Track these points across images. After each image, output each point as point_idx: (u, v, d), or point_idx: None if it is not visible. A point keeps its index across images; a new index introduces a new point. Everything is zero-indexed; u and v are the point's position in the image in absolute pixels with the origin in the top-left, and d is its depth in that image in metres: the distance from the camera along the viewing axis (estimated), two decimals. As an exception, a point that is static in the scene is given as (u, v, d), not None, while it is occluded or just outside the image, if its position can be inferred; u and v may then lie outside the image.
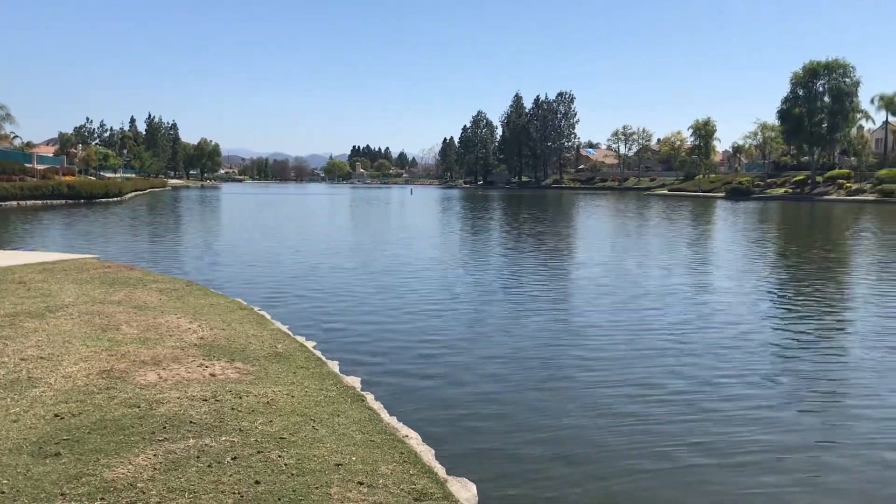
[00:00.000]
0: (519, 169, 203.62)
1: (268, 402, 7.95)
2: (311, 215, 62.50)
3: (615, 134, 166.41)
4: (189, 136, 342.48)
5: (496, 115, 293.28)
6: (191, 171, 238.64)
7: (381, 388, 10.11)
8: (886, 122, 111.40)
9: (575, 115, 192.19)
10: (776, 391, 10.73)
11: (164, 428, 6.96)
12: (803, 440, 8.79)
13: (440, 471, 6.65)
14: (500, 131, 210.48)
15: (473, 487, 6.61)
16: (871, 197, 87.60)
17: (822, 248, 34.07)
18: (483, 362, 12.15)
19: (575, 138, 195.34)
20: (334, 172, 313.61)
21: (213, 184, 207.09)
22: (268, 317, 13.57)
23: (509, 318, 16.04)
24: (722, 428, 9.09)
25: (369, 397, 8.84)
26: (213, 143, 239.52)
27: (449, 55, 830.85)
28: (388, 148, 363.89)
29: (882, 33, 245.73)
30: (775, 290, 20.84)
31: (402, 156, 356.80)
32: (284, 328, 12.72)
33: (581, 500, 7.14)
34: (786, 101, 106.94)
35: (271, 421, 7.35)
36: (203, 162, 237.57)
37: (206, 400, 7.91)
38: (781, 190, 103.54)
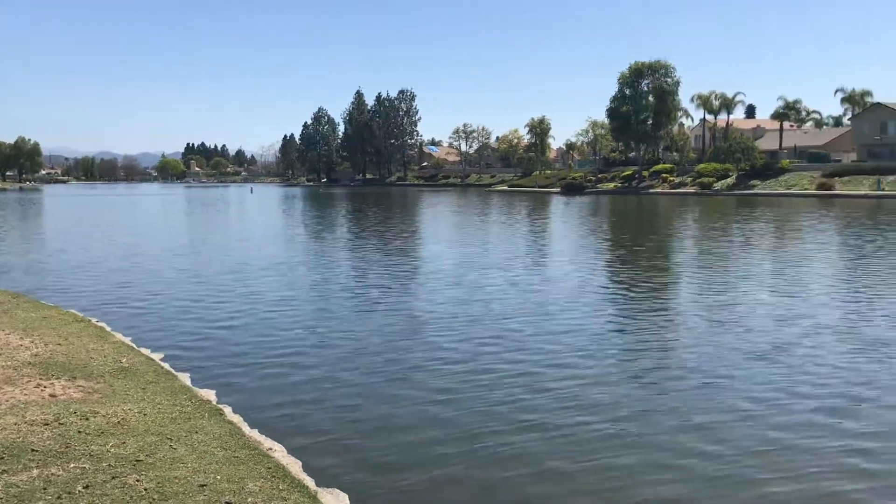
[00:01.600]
0: (363, 166, 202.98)
1: (118, 423, 7.46)
2: (140, 218, 59.46)
3: (456, 132, 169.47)
4: (5, 135, 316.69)
5: (338, 112, 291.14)
6: (7, 173, 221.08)
7: (239, 399, 9.73)
8: (704, 120, 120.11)
9: (417, 112, 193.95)
10: (598, 371, 11.28)
11: (2, 458, 6.37)
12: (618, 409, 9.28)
13: (310, 483, 6.49)
14: (342, 128, 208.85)
15: (346, 498, 6.50)
16: (691, 189, 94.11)
17: (650, 237, 36.22)
18: (338, 363, 12.01)
19: (417, 136, 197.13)
20: (167, 171, 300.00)
21: (34, 185, 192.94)
22: (108, 328, 12.78)
23: (356, 316, 16.03)
24: (560, 405, 9.44)
25: (227, 410, 8.50)
26: (31, 142, 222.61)
27: (287, 50, 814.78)
28: (224, 145, 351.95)
29: (698, 36, 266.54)
30: (609, 280, 21.92)
31: (240, 153, 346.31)
32: (127, 340, 12.02)
33: (455, 500, 7.18)
34: (614, 99, 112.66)
35: (124, 443, 6.89)
36: (21, 162, 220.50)
37: (47, 424, 7.32)
38: (612, 185, 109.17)
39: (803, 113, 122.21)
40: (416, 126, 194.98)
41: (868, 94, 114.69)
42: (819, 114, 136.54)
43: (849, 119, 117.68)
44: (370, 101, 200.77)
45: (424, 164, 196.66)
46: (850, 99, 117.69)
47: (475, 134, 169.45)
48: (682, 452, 8.27)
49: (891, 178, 78.01)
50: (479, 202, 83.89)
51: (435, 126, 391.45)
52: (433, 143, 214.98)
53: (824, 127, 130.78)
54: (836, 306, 17.12)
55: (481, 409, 9.73)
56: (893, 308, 16.96)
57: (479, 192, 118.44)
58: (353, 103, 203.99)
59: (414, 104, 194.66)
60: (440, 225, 48.72)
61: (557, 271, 24.14)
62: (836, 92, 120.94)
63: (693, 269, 24.78)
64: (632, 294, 19.47)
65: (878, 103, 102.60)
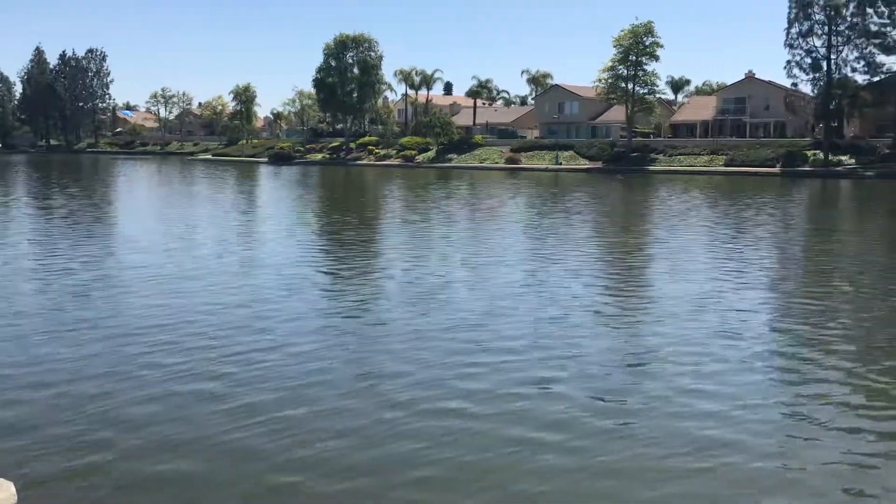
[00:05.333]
0: (46, 131, 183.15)
1: None
2: None
3: (154, 96, 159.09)
4: None
5: (13, 71, 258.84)
6: None
7: None
8: (406, 95, 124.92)
9: (108, 74, 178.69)
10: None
11: None
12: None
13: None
14: (19, 89, 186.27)
15: (11, 486, 6.00)
16: (396, 162, 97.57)
17: (363, 207, 37.17)
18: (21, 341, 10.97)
19: (110, 99, 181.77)
20: None
21: None
22: None
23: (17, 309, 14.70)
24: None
25: None
26: None
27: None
28: None
29: (402, 13, 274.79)
30: (324, 249, 22.22)
31: None
32: None
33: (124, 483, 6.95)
34: (320, 70, 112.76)
35: None
36: None
37: None
38: (320, 155, 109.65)
39: (494, 92, 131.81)
40: (108, 89, 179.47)
41: (549, 76, 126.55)
42: (508, 93, 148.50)
43: (532, 99, 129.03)
44: (53, 59, 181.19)
45: (119, 129, 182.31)
46: (534, 80, 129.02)
47: (175, 99, 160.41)
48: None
49: (566, 153, 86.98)
50: (182, 171, 79.97)
51: (131, 90, 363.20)
52: (129, 107, 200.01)
53: (512, 105, 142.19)
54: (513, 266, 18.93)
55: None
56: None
57: (181, 161, 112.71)
58: (32, 61, 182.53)
59: (105, 65, 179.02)
60: (137, 198, 45.73)
61: (266, 248, 23.90)
62: (522, 73, 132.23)
63: (392, 240, 25.86)
64: (344, 267, 19.88)
65: (557, 85, 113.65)
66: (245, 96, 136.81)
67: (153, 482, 7.09)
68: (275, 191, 53.87)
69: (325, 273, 18.69)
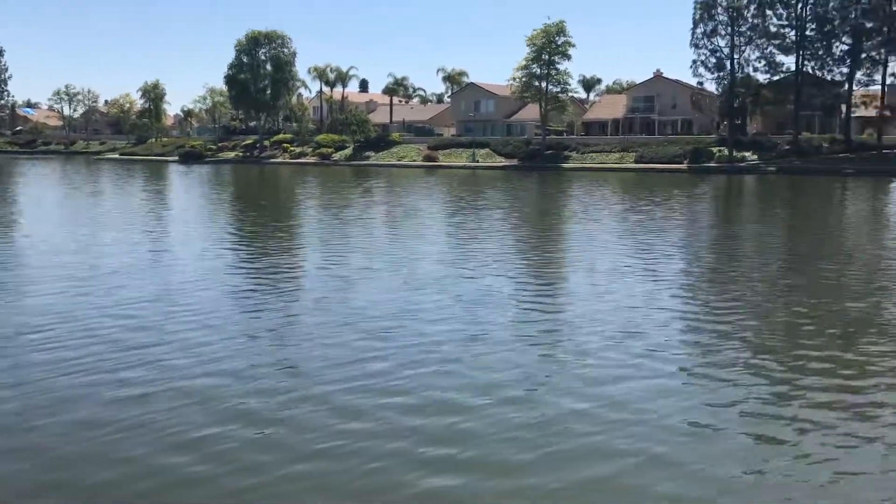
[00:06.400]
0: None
1: None
2: None
3: (57, 93, 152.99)
4: None
5: None
6: None
7: None
8: (321, 92, 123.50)
9: (6, 70, 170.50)
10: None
11: None
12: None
13: None
14: None
15: None
16: (312, 160, 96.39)
17: (275, 206, 36.59)
18: None
19: (8, 96, 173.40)
20: None
21: None
22: None
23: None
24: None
25: None
26: None
27: None
28: None
29: (316, 9, 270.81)
30: (233, 248, 21.79)
31: None
32: None
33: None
34: (232, 67, 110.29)
35: None
36: None
37: None
38: (233, 154, 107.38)
39: (411, 89, 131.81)
40: (6, 85, 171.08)
41: (464, 74, 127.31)
42: (424, 91, 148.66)
43: (448, 97, 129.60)
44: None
45: (19, 128, 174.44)
46: (450, 78, 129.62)
47: (80, 97, 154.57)
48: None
49: (483, 151, 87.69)
50: (87, 171, 77.07)
51: (32, 87, 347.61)
52: (30, 105, 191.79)
53: (429, 103, 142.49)
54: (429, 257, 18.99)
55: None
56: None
57: (87, 160, 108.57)
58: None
59: (2, 60, 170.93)
60: (39, 200, 43.86)
61: (170, 249, 23.28)
62: (438, 71, 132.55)
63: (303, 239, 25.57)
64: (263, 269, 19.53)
65: (473, 83, 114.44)
66: (154, 94, 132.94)
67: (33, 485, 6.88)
68: (183, 190, 52.52)
69: (233, 274, 18.30)
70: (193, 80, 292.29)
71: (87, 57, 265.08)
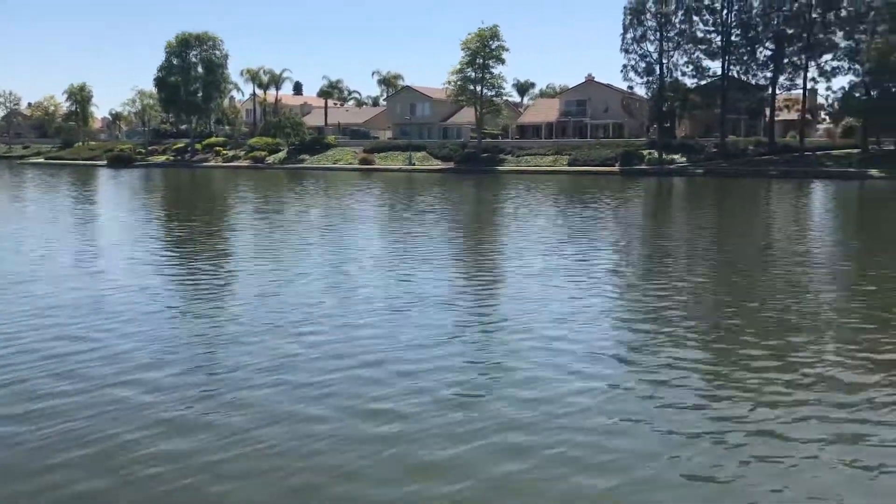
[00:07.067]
0: None
1: None
2: None
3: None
4: None
5: None
6: None
7: None
8: (254, 94, 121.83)
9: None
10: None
11: None
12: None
13: None
14: None
15: None
16: (245, 163, 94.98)
17: (207, 210, 35.89)
18: None
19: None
20: None
21: None
22: None
23: None
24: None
25: None
26: None
27: None
28: None
29: (247, 12, 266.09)
30: (165, 254, 21.29)
31: None
32: None
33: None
34: (162, 69, 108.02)
35: None
36: None
37: None
38: (163, 157, 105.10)
39: (346, 92, 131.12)
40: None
41: (400, 77, 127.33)
42: (359, 94, 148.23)
43: (384, 100, 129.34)
44: None
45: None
46: (386, 81, 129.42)
47: (1, 99, 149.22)
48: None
49: (420, 154, 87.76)
50: (11, 176, 74.44)
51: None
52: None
53: (364, 106, 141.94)
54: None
55: None
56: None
57: (9, 165, 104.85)
58: None
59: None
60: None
61: (95, 256, 22.64)
62: (373, 74, 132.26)
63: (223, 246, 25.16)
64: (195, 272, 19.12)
65: (408, 86, 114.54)
66: (80, 96, 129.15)
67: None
68: (111, 195, 51.19)
69: (159, 280, 17.86)
70: (122, 83, 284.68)
71: (6, 58, 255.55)
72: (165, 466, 7.59)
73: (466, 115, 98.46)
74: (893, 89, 67.76)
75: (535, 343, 11.98)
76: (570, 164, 77.53)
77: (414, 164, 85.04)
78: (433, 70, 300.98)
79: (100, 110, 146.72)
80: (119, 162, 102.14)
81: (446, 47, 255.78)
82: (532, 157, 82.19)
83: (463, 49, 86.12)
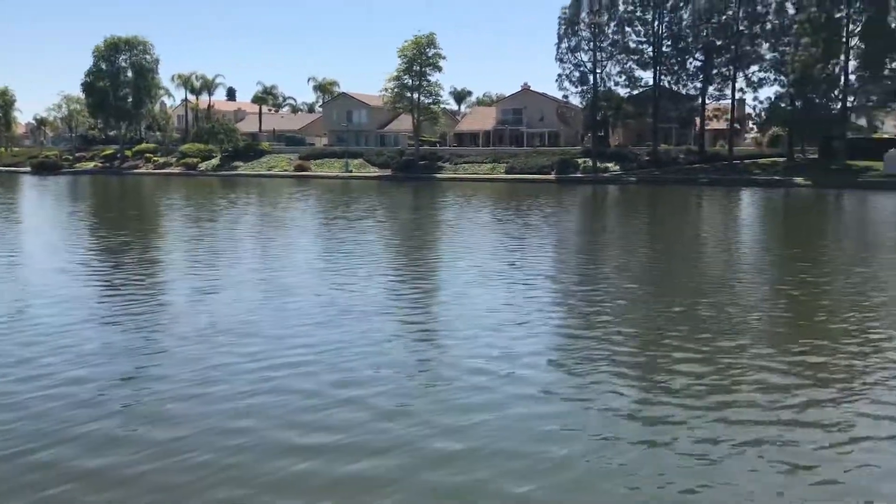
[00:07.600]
0: None
1: None
2: None
3: None
4: None
5: None
6: None
7: None
8: (186, 100, 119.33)
9: None
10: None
11: None
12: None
13: None
14: None
15: None
16: (177, 170, 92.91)
17: (136, 218, 34.88)
18: None
19: None
20: None
21: None
22: None
23: None
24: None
25: None
26: None
27: None
28: None
29: (178, 15, 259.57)
30: (84, 264, 20.53)
31: None
32: None
33: None
34: (89, 74, 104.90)
35: None
36: None
37: None
38: (91, 164, 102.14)
39: (281, 98, 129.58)
40: None
41: (335, 83, 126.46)
42: (294, 100, 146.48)
43: (320, 106, 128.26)
44: None
45: None
46: (321, 87, 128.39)
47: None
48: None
49: (356, 161, 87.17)
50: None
51: None
52: None
53: (299, 112, 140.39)
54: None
55: None
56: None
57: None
58: None
59: None
60: None
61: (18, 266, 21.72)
62: (308, 80, 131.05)
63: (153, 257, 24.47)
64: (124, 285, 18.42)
65: (345, 93, 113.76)
66: (3, 100, 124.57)
67: None
68: (34, 202, 49.40)
69: (85, 290, 17.18)
70: (47, 87, 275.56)
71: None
72: (82, 482, 7.23)
73: (404, 123, 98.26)
74: (816, 100, 70.25)
75: (470, 350, 11.85)
76: (507, 172, 77.95)
77: (351, 172, 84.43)
78: (370, 77, 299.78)
79: (23, 115, 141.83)
80: (44, 168, 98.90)
81: (383, 54, 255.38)
82: (470, 164, 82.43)
83: (400, 56, 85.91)
